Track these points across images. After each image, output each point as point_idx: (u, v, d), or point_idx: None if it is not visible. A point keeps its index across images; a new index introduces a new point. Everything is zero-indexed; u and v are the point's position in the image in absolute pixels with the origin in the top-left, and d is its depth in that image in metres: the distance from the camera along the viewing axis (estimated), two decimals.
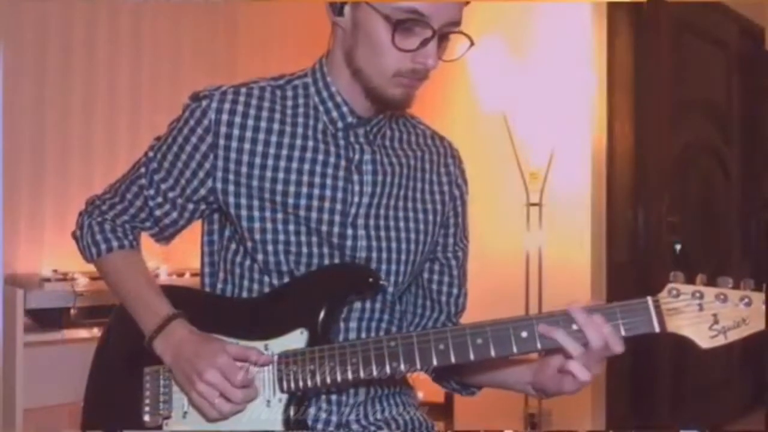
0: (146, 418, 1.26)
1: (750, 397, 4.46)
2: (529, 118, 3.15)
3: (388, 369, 1.17)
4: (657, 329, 1.11)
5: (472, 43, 1.20)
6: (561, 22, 3.28)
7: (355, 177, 1.28)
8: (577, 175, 3.26)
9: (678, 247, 3.74)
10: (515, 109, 3.14)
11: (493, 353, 1.15)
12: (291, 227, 1.25)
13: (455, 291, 1.43)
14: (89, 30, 2.93)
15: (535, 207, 3.18)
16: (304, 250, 1.26)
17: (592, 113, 3.26)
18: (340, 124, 1.27)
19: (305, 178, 1.25)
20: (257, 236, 1.26)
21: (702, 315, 1.09)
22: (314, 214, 1.25)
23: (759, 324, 1.08)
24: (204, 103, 1.24)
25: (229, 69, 3.33)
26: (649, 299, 1.12)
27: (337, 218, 1.26)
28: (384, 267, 1.30)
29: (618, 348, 1.12)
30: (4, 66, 2.66)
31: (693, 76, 4.01)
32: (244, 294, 1.31)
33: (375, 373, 1.17)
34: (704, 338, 1.09)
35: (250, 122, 1.24)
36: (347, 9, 1.19)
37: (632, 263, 3.62)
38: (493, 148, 3.29)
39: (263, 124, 1.25)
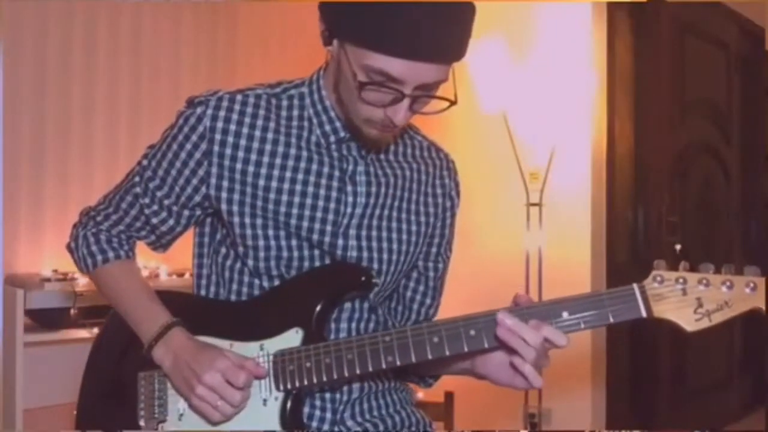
0: (141, 423, 1.27)
1: (750, 397, 4.46)
2: (529, 118, 3.15)
3: (383, 364, 1.17)
4: (644, 315, 1.12)
5: (452, 103, 1.16)
6: (561, 22, 3.28)
7: (349, 188, 1.27)
8: (577, 175, 3.26)
9: (678, 247, 3.73)
10: (515, 109, 3.14)
11: (486, 344, 1.16)
12: (282, 233, 1.25)
13: (428, 301, 1.44)
14: (89, 30, 2.93)
15: (535, 207, 3.18)
16: (295, 254, 1.26)
17: (592, 113, 3.26)
18: (332, 138, 1.27)
19: (298, 188, 1.25)
20: (249, 242, 1.26)
21: (686, 299, 1.12)
22: (305, 223, 1.25)
23: (741, 306, 1.11)
24: (199, 109, 1.24)
25: (229, 69, 3.33)
26: (635, 286, 1.14)
27: (328, 228, 1.26)
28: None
29: (562, 342, 1.12)
30: (4, 66, 2.66)
31: (693, 76, 4.01)
32: (233, 296, 1.31)
33: (371, 368, 1.18)
34: (689, 321, 1.12)
35: (245, 130, 1.24)
36: (335, 42, 1.16)
37: (632, 263, 3.62)
38: (493, 148, 3.29)
39: (258, 133, 1.24)
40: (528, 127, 3.18)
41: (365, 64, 1.10)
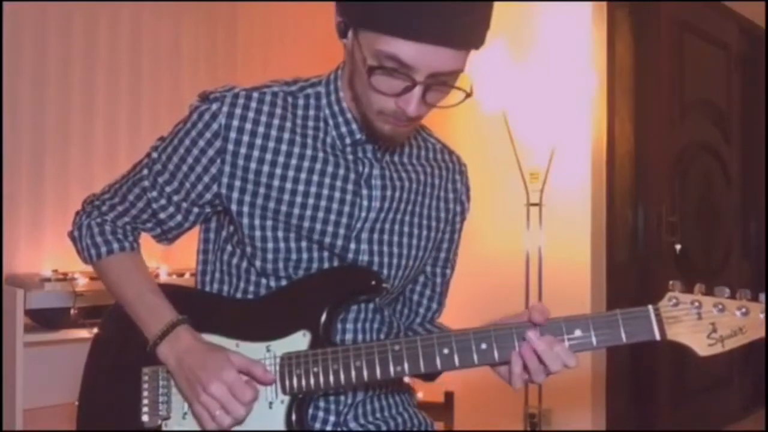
0: (145, 419, 1.25)
1: (750, 397, 4.46)
2: (529, 118, 3.15)
3: (392, 372, 1.16)
4: (657, 337, 1.13)
5: (468, 95, 1.13)
6: (561, 22, 3.29)
7: (364, 191, 1.26)
8: (577, 175, 3.26)
9: (678, 247, 3.74)
10: (515, 109, 3.14)
11: (496, 357, 1.15)
12: (292, 235, 1.24)
13: (434, 306, 1.44)
14: (89, 29, 2.93)
15: (535, 207, 3.19)
16: (304, 256, 1.25)
17: (592, 113, 3.27)
18: (348, 140, 1.25)
19: (313, 190, 1.23)
20: (258, 243, 1.24)
21: (700, 324, 1.12)
22: (318, 226, 1.23)
23: (756, 333, 1.11)
24: (214, 106, 1.21)
25: (229, 69, 3.33)
26: (650, 308, 1.13)
27: (341, 231, 1.25)
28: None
29: (572, 363, 1.14)
30: (5, 66, 2.66)
31: (693, 76, 4.01)
32: (239, 295, 1.30)
33: (379, 376, 1.17)
34: (702, 346, 1.12)
35: (261, 129, 1.21)
36: (350, 33, 1.13)
37: (632, 263, 3.62)
38: (493, 148, 3.29)
39: (274, 132, 1.22)
40: (528, 127, 3.18)
41: (377, 50, 1.07)
